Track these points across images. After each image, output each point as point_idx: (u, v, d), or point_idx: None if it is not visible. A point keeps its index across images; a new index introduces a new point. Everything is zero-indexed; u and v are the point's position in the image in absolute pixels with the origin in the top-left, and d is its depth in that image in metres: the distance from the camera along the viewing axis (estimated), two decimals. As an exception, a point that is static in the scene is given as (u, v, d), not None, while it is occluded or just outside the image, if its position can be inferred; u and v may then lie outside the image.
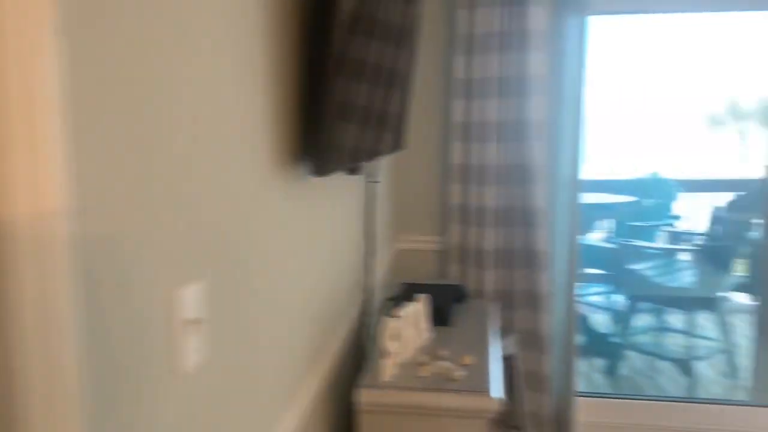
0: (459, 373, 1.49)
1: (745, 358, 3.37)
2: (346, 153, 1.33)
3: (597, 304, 4.14)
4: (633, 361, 3.61)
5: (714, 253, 3.41)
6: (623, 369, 3.54)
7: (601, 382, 3.43)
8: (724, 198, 4.23)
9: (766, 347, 2.82)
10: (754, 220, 3.18)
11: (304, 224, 1.35)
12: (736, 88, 5.84)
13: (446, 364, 1.52)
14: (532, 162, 2.61)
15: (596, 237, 4.30)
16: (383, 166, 2.48)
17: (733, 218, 3.41)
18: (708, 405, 2.82)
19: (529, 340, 2.71)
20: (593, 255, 3.87)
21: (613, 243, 3.91)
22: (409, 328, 1.59)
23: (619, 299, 3.81)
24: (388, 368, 1.47)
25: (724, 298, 3.47)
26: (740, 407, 2.77)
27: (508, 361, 2.55)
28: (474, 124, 2.65)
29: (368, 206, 2.04)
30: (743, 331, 3.56)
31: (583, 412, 2.81)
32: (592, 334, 3.77)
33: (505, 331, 2.59)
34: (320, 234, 1.49)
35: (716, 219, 3.49)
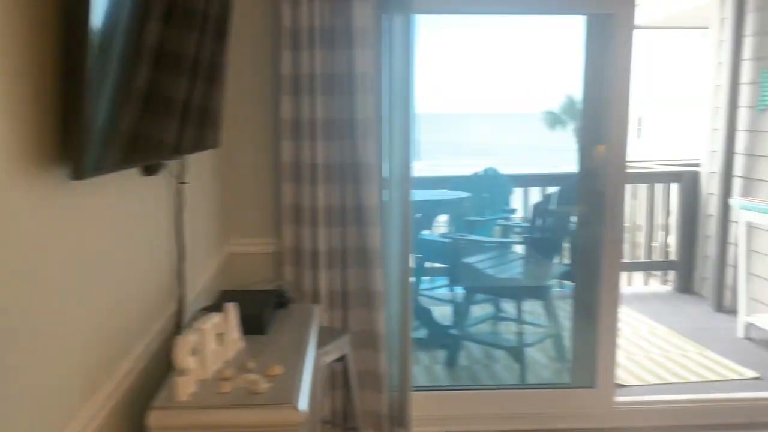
0: (265, 385, 1.41)
1: (569, 342, 3.60)
2: (118, 150, 1.19)
3: (437, 297, 4.25)
4: (471, 351, 3.74)
5: (542, 244, 3.61)
6: (463, 360, 3.65)
7: (441, 374, 3.51)
8: (550, 192, 4.51)
9: (581, 330, 3.02)
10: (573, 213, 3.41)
11: (75, 236, 1.20)
12: (573, 87, 6.25)
13: (252, 376, 1.43)
14: (363, 160, 2.59)
15: (435, 232, 4.43)
16: (205, 166, 2.34)
17: (559, 211, 3.63)
18: (535, 390, 2.98)
19: (365, 339, 2.70)
20: (432, 250, 3.97)
21: (450, 238, 4.03)
22: (211, 341, 1.48)
23: (458, 292, 3.94)
24: (186, 386, 1.36)
25: (552, 286, 3.69)
26: (562, 390, 2.95)
27: (342, 363, 2.51)
28: (303, 121, 2.58)
29: (177, 210, 1.89)
30: (568, 316, 3.81)
31: (421, 406, 2.84)
32: (434, 327, 3.86)
33: (340, 332, 2.55)
34: (105, 245, 1.34)
35: (544, 212, 3.70)
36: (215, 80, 1.90)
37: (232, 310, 1.59)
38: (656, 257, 5.40)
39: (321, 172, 2.59)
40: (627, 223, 5.57)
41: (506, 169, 4.57)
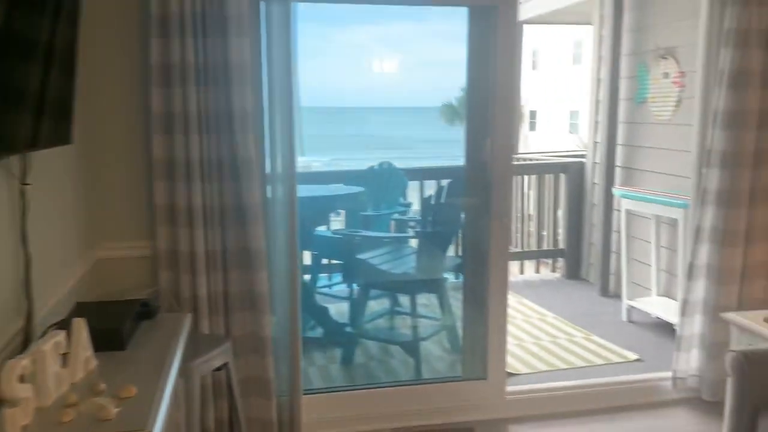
0: (115, 410, 1.26)
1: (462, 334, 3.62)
2: None
3: (334, 294, 4.17)
4: (368, 348, 3.68)
5: (434, 237, 3.60)
6: (359, 357, 3.59)
7: (337, 374, 3.43)
8: (443, 185, 4.52)
9: (472, 321, 3.03)
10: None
11: None
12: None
13: (101, 401, 1.27)
14: (242, 155, 2.45)
15: (329, 228, 4.33)
16: (59, 164, 2.12)
17: (449, 204, 3.62)
18: (428, 385, 2.96)
19: (251, 344, 2.56)
20: (326, 246, 3.88)
21: (342, 234, 3.96)
22: (53, 363, 1.31)
23: (353, 289, 3.86)
24: (17, 419, 1.18)
25: (445, 279, 3.69)
26: (455, 383, 2.95)
27: (225, 371, 2.36)
28: (176, 114, 2.40)
29: (21, 214, 1.69)
30: (461, 307, 3.84)
31: (313, 409, 2.75)
32: (330, 325, 3.77)
33: (221, 339, 2.40)
34: None
35: (434, 206, 3.68)
36: (63, 68, 1.70)
37: (80, 325, 1.42)
38: (546, 246, 5.58)
39: (197, 168, 2.42)
40: (518, 213, 5.73)
41: (409, 162, 4.54)
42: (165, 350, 1.61)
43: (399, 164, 4.53)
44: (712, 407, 2.90)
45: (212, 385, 2.51)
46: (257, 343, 2.55)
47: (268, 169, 2.61)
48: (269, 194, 2.62)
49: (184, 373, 2.02)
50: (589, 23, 5.47)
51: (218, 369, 2.36)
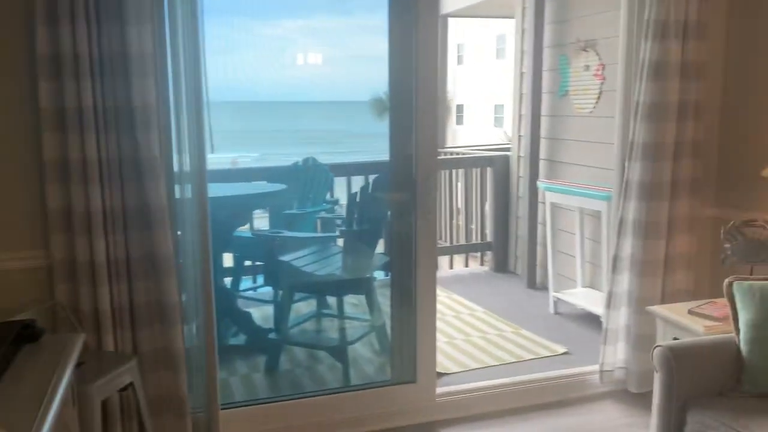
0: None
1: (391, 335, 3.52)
2: None
3: (258, 298, 3.98)
4: (294, 354, 3.52)
5: (360, 235, 3.47)
6: (285, 364, 3.42)
7: (261, 384, 3.25)
8: (369, 181, 4.40)
9: (400, 322, 2.92)
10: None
11: None
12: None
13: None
14: (145, 154, 2.24)
15: (252, 228, 4.14)
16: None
17: (375, 200, 3.50)
18: (356, 392, 2.83)
19: (161, 359, 2.36)
20: (247, 248, 3.69)
21: (263, 235, 3.77)
22: None
23: (278, 292, 3.69)
24: None
25: (373, 279, 3.58)
26: (384, 388, 2.84)
27: (130, 392, 2.16)
28: (69, 110, 2.17)
29: None
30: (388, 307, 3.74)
31: (233, 425, 2.57)
32: (253, 331, 3.59)
33: (125, 357, 2.19)
34: None
35: (360, 203, 3.56)
36: None
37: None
38: (475, 239, 5.57)
39: (94, 169, 2.20)
40: (447, 207, 5.70)
41: (343, 156, 4.38)
42: (48, 378, 1.41)
43: (332, 158, 4.39)
44: (639, 399, 2.92)
45: (120, 407, 2.29)
46: (169, 358, 2.35)
47: (176, 167, 2.40)
48: (178, 195, 2.42)
49: (81, 398, 1.82)
50: (511, 16, 5.47)
51: (124, 389, 2.15)
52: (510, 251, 5.31)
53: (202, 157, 2.39)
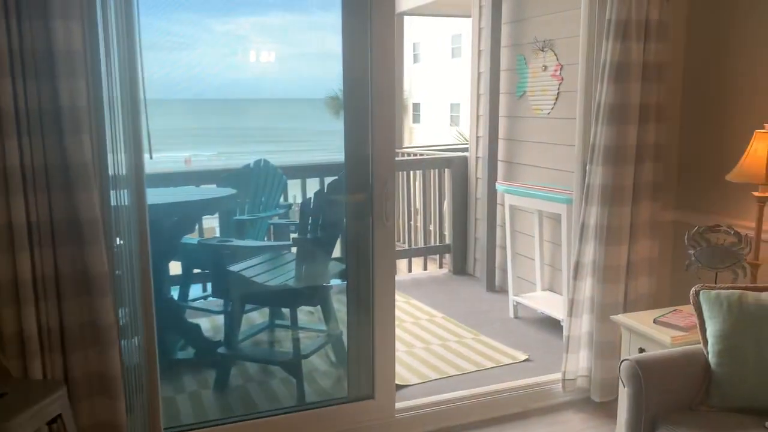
0: None
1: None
2: None
3: (206, 308, 3.78)
4: (246, 368, 3.34)
5: (314, 242, 3.31)
6: (236, 380, 3.24)
7: (210, 402, 3.06)
8: (323, 184, 4.25)
9: (355, 335, 2.78)
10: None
11: None
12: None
13: None
14: (75, 159, 2.04)
15: (202, 235, 3.93)
16: None
17: (330, 204, 3.35)
18: (311, 411, 2.68)
19: (96, 386, 2.16)
20: (194, 258, 3.49)
21: (213, 244, 3.58)
22: None
23: (226, 304, 3.49)
24: None
25: (329, 288, 3.42)
26: (340, 406, 2.69)
27: (60, 423, 1.96)
28: (-13, 113, 1.95)
29: None
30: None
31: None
32: (201, 345, 3.39)
33: (53, 386, 1.99)
34: None
35: (314, 208, 3.39)
36: None
37: None
38: (434, 241, 5.47)
39: (17, 177, 1.99)
40: (405, 208, 5.58)
41: (300, 154, 4.19)
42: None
43: (292, 156, 4.20)
44: (603, 408, 2.85)
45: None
46: (104, 383, 2.15)
47: (111, 171, 2.20)
48: (114, 202, 2.22)
49: (-1, 437, 1.62)
50: (467, 15, 5.39)
51: (53, 421, 1.95)
52: (469, 254, 5.23)
53: (140, 160, 2.21)
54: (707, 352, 2.06)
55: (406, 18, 7.13)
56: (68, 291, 2.10)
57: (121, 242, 2.27)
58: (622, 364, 2.04)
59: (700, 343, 2.11)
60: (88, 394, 2.15)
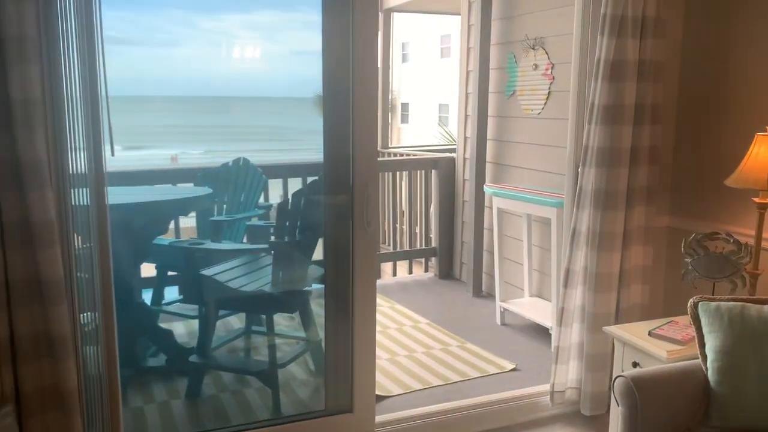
0: None
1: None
2: None
3: (177, 313, 3.61)
4: (219, 378, 3.18)
5: (294, 246, 3.16)
6: (208, 389, 3.08)
7: (180, 413, 2.90)
8: (304, 184, 4.10)
9: (334, 345, 2.63)
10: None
11: None
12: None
13: None
14: (27, 156, 1.87)
15: (177, 236, 3.76)
16: None
17: (312, 204, 3.19)
18: (285, 425, 2.52)
19: (50, 401, 1.99)
20: (167, 260, 3.32)
21: (185, 246, 3.41)
22: None
23: (200, 310, 3.33)
24: None
25: (308, 293, 3.27)
26: (316, 420, 2.54)
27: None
28: (-72, 104, 1.78)
29: None
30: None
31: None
32: (173, 352, 3.22)
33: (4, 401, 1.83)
34: None
35: (293, 210, 3.24)
36: None
37: None
38: (419, 244, 5.33)
39: (-38, 175, 1.82)
40: (390, 210, 5.44)
41: (285, 153, 4.03)
42: None
43: (280, 155, 4.03)
44: (592, 423, 2.73)
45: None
46: (58, 397, 1.98)
47: (71, 169, 2.04)
48: (74, 202, 2.06)
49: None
50: (456, 12, 5.25)
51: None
52: (455, 257, 5.10)
53: (101, 158, 2.04)
54: (706, 369, 1.93)
55: (395, 17, 7.00)
56: (20, 298, 1.93)
57: (86, 245, 2.11)
58: (616, 381, 1.90)
59: (698, 358, 1.98)
60: (40, 410, 1.98)
